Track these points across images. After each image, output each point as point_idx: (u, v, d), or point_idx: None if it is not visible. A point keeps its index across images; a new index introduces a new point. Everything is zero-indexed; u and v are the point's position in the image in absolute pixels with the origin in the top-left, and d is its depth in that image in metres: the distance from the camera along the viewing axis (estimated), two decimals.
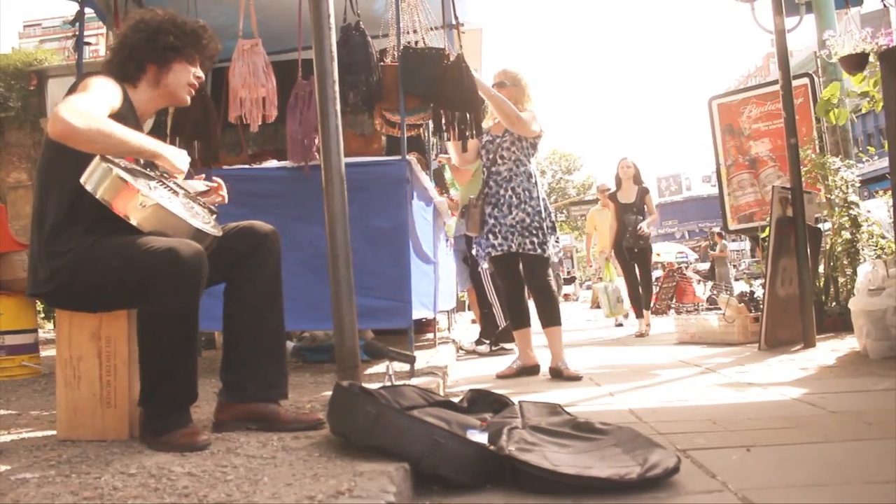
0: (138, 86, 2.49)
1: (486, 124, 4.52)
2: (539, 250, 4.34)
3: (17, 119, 9.76)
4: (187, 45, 2.51)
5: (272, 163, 4.61)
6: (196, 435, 2.20)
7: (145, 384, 2.25)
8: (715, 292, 8.91)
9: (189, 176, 2.79)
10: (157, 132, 4.61)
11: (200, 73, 2.59)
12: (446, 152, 6.19)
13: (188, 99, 2.59)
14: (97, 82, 2.30)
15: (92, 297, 2.31)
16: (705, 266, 21.94)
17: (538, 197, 4.42)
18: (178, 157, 2.33)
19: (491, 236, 4.43)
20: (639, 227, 7.49)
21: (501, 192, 4.43)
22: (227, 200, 2.76)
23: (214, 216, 2.53)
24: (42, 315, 6.46)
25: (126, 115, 2.37)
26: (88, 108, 2.15)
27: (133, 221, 2.13)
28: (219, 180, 2.77)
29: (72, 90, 2.28)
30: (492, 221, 4.44)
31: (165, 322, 2.20)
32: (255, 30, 4.20)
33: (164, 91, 2.53)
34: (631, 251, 7.66)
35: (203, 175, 2.82)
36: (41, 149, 2.37)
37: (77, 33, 4.53)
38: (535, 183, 4.47)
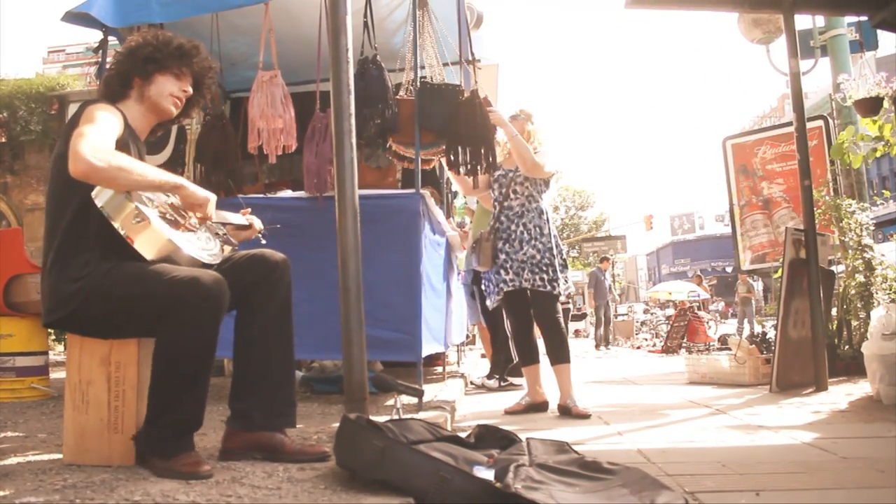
0: (128, 103, 2.48)
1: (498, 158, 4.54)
2: (549, 287, 4.33)
3: (38, 142, 9.88)
4: (168, 57, 2.49)
5: (287, 192, 4.65)
6: (199, 464, 2.19)
7: (155, 407, 2.24)
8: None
9: (234, 208, 2.80)
10: (175, 161, 4.67)
11: (188, 88, 2.56)
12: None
13: (174, 110, 2.55)
14: (100, 113, 2.29)
15: (108, 323, 2.32)
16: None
17: (549, 234, 4.43)
18: (199, 191, 2.33)
19: (503, 272, 4.43)
20: None
21: (513, 227, 4.44)
22: (263, 242, 2.76)
23: (229, 248, 2.55)
24: (53, 337, 6.48)
25: (127, 140, 2.37)
26: (105, 144, 2.16)
27: (134, 243, 2.14)
28: (255, 220, 2.78)
29: (75, 120, 2.28)
30: (503, 257, 4.43)
31: (183, 349, 2.20)
32: (275, 61, 4.25)
33: (150, 104, 2.50)
34: None
35: (248, 209, 2.82)
36: (50, 176, 2.36)
37: (99, 60, 4.59)
38: (547, 220, 4.48)
